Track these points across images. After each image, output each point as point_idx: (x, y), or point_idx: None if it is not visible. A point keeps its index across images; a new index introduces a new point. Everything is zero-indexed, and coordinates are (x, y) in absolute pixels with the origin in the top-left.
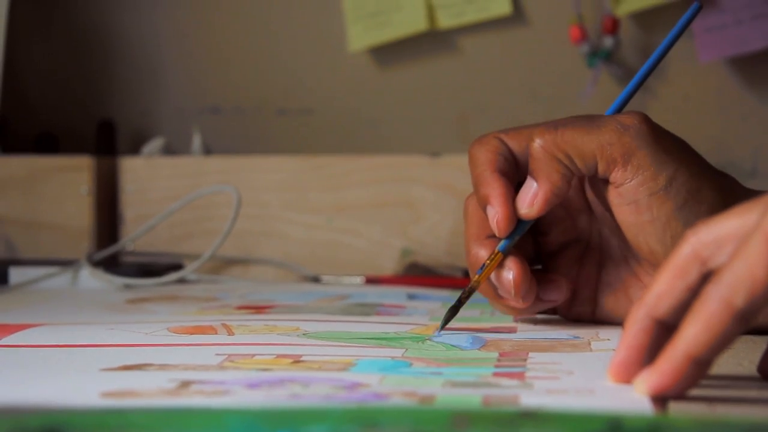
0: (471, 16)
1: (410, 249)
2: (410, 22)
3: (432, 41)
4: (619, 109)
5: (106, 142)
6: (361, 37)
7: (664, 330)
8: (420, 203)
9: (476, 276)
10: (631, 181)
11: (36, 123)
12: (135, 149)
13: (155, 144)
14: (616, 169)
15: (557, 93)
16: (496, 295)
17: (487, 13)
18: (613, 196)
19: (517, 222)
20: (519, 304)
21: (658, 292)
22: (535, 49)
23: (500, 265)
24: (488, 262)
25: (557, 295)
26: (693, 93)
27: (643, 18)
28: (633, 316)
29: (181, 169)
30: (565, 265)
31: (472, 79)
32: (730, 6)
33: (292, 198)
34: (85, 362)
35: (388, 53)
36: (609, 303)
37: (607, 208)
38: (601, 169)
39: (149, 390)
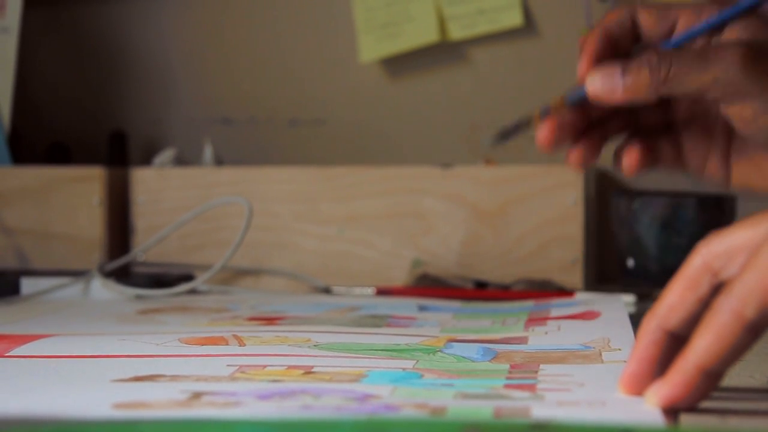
0: (482, 27)
1: (421, 260)
2: (421, 33)
3: (443, 52)
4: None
5: (118, 152)
6: (372, 48)
7: (676, 342)
8: (431, 214)
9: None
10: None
11: (48, 134)
12: (146, 160)
13: (167, 155)
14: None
15: None
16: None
17: (498, 25)
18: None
19: None
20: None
21: (669, 303)
22: (546, 61)
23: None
24: (552, 104)
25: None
26: None
27: None
28: (644, 327)
29: (192, 179)
30: (695, 133)
31: (483, 91)
32: None
33: (303, 209)
34: (96, 373)
35: (399, 64)
36: (741, 172)
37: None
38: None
39: (161, 401)
